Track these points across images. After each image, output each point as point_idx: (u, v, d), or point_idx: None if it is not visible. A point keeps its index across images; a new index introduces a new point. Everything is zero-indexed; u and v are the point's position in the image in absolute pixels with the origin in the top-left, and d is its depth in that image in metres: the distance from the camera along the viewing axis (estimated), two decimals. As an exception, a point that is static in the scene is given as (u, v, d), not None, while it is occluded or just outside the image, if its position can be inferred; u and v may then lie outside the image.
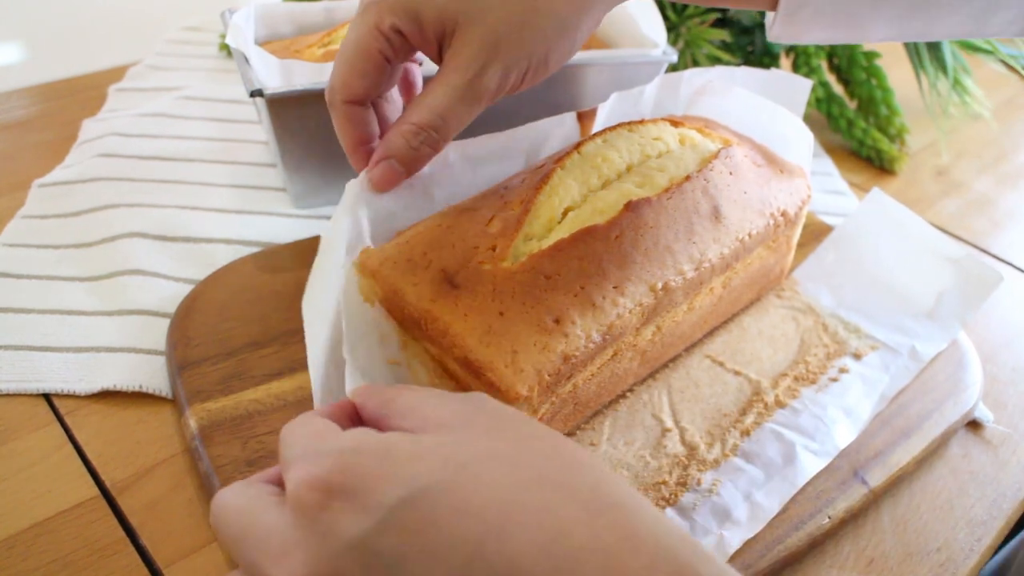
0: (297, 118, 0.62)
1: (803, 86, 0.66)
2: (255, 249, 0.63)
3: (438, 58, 0.44)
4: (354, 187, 0.45)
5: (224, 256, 0.62)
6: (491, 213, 0.49)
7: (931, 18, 0.47)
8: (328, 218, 0.67)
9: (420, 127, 0.43)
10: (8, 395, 0.51)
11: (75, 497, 0.46)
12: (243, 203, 0.68)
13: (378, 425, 0.32)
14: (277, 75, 0.60)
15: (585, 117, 0.61)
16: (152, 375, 0.52)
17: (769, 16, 0.48)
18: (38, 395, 0.52)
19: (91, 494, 0.46)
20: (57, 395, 0.52)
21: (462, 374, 0.44)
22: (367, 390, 0.34)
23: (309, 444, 0.30)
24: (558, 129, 0.58)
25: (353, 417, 0.34)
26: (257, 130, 0.78)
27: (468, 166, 0.52)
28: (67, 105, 0.82)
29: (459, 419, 0.31)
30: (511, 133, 0.54)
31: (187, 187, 0.70)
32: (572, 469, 0.29)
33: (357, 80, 0.43)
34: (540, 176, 0.49)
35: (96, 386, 0.51)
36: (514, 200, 0.49)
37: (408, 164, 0.45)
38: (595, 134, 0.53)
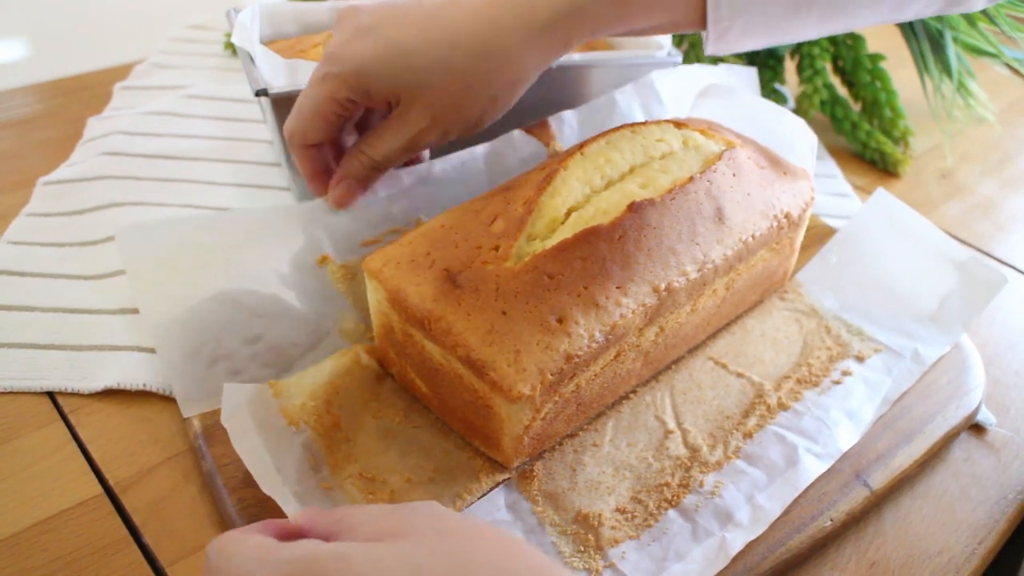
0: (301, 118, 0.62)
1: (750, 75, 0.71)
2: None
3: (387, 111, 0.53)
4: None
5: (228, 255, 0.62)
6: (494, 213, 0.49)
7: (852, 15, 0.51)
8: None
9: (371, 159, 0.54)
10: (12, 393, 0.52)
11: (78, 495, 0.46)
12: (247, 202, 0.68)
13: (327, 540, 0.33)
14: (282, 74, 0.60)
15: (536, 130, 0.64)
16: (156, 374, 0.52)
17: (703, 34, 0.52)
18: (42, 393, 0.52)
19: (94, 492, 0.46)
20: (61, 393, 0.52)
21: (467, 373, 0.45)
22: (312, 511, 0.35)
23: (254, 557, 0.30)
24: (510, 147, 0.62)
25: (290, 535, 0.34)
26: (262, 129, 0.78)
27: (427, 186, 0.59)
28: (72, 103, 0.82)
29: (409, 527, 0.32)
30: (470, 151, 0.61)
31: (191, 186, 0.70)
32: (519, 560, 0.31)
33: (313, 132, 0.53)
34: (543, 176, 0.49)
35: (100, 384, 0.52)
36: (517, 200, 0.49)
37: (362, 183, 0.56)
38: (598, 135, 0.53)
